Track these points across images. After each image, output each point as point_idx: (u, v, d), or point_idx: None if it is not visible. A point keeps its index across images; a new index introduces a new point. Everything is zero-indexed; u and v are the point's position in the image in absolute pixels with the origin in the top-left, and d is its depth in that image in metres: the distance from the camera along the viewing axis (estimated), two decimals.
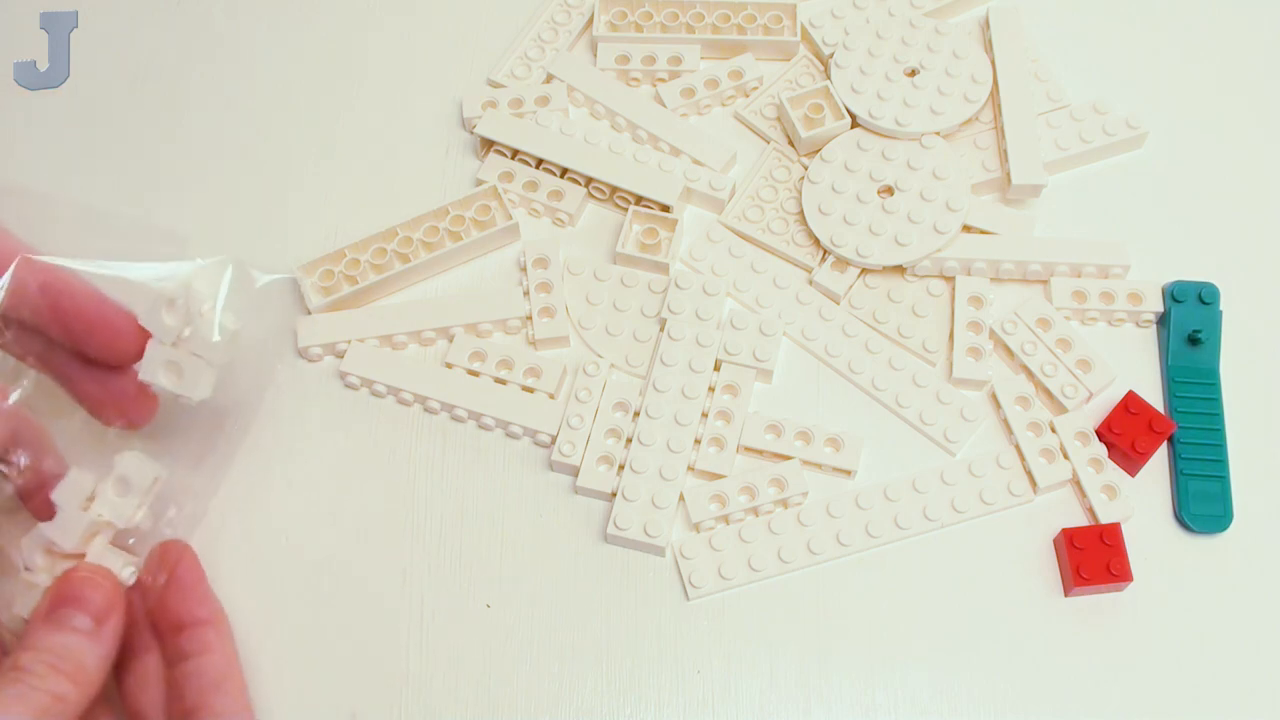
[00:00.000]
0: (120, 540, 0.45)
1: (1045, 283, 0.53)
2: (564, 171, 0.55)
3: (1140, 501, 0.49)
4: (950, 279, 0.53)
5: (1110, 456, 0.49)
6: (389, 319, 0.52)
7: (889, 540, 0.49)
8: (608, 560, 0.49)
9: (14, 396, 0.45)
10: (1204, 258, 0.54)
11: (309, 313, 0.53)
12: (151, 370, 0.45)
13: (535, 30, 0.60)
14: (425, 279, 0.55)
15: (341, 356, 0.52)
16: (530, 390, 0.51)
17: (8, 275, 0.43)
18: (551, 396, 0.51)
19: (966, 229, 0.54)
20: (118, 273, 0.46)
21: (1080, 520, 0.49)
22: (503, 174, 0.56)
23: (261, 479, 0.50)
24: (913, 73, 0.57)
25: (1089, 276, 0.53)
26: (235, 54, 0.61)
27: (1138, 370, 0.52)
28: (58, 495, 0.43)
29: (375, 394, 0.52)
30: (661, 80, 0.59)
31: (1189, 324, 0.51)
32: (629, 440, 0.50)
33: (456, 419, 0.51)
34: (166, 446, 0.48)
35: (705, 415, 0.50)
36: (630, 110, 0.57)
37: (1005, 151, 0.55)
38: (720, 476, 0.49)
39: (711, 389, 0.51)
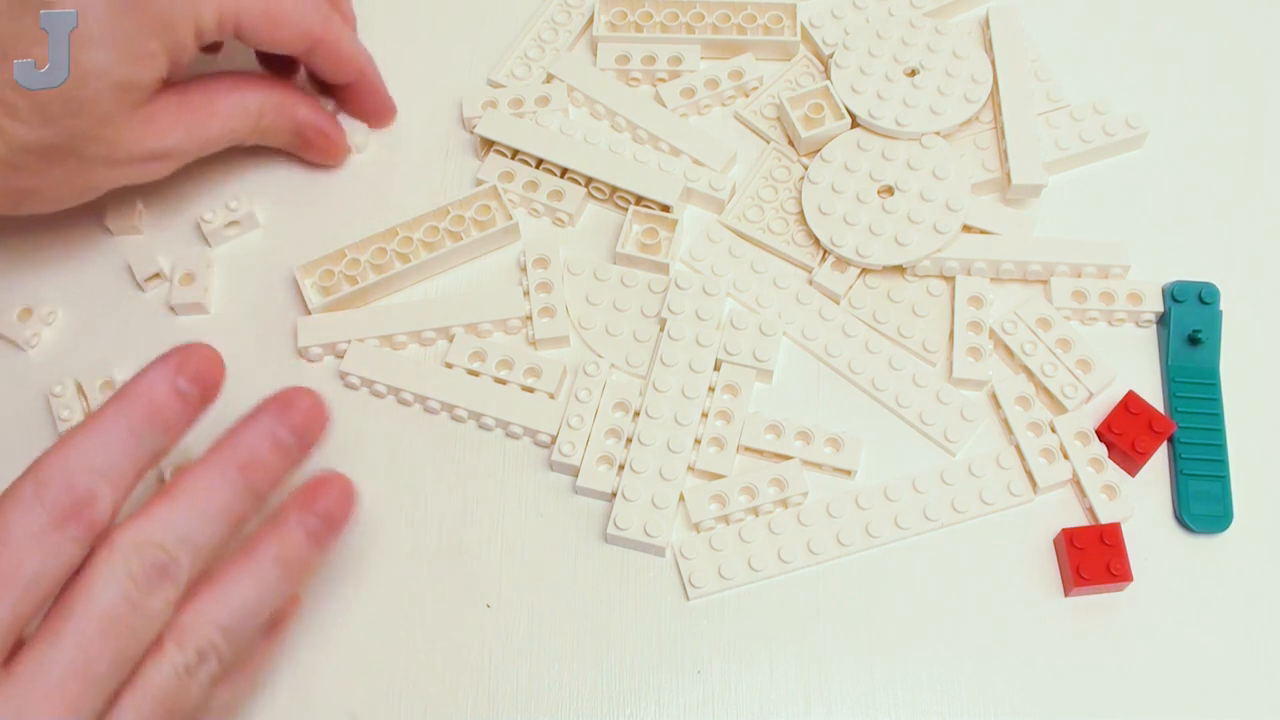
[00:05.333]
0: None
1: (1045, 283, 0.53)
2: (564, 171, 0.55)
3: (1140, 501, 0.49)
4: (950, 279, 0.53)
5: (1110, 456, 0.49)
6: (389, 319, 0.52)
7: (889, 540, 0.49)
8: (608, 560, 0.49)
9: None
10: (1204, 258, 0.54)
11: (309, 313, 0.53)
12: None
13: (535, 30, 0.60)
14: (425, 279, 0.55)
15: (341, 356, 0.52)
16: (530, 390, 0.51)
17: None
18: (551, 396, 0.51)
19: (966, 229, 0.54)
20: None
21: (1080, 520, 0.49)
22: (503, 174, 0.56)
23: None
24: (913, 73, 0.57)
25: (1089, 276, 0.53)
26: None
27: (1138, 370, 0.52)
28: None
29: (375, 394, 0.52)
30: (661, 80, 0.59)
31: (1189, 324, 0.51)
32: (629, 440, 0.50)
33: (456, 419, 0.51)
34: None
35: (705, 415, 0.50)
36: (630, 110, 0.57)
37: (1005, 151, 0.55)
38: (720, 476, 0.49)
39: (711, 389, 0.51)
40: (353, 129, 0.57)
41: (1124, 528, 0.48)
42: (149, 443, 0.38)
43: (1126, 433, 0.49)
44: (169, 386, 0.38)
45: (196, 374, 0.38)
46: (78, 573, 0.36)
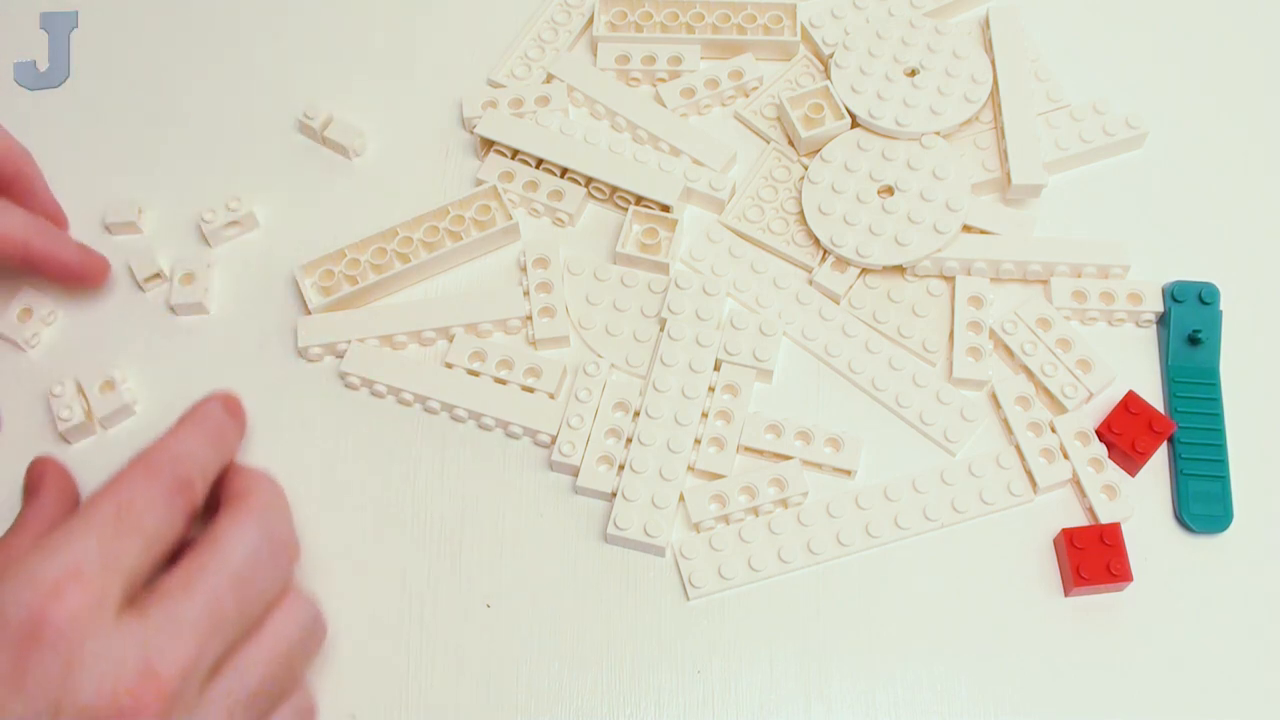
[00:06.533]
0: None
1: (1045, 283, 0.53)
2: (564, 171, 0.55)
3: (1140, 501, 0.49)
4: (950, 279, 0.53)
5: (1110, 456, 0.49)
6: (389, 319, 0.52)
7: (889, 540, 0.49)
8: (608, 560, 0.49)
9: None
10: (1204, 258, 0.54)
11: (309, 313, 0.53)
12: None
13: (535, 30, 0.60)
14: (425, 279, 0.55)
15: (341, 356, 0.52)
16: (530, 390, 0.51)
17: None
18: (551, 396, 0.51)
19: (966, 229, 0.54)
20: None
21: (1080, 520, 0.49)
22: (503, 174, 0.56)
23: None
24: (913, 73, 0.57)
25: (1089, 276, 0.53)
26: (235, 54, 0.61)
27: (1138, 370, 0.52)
28: None
29: (375, 394, 0.52)
30: (661, 80, 0.59)
31: (1189, 324, 0.52)
32: (629, 440, 0.50)
33: (456, 419, 0.51)
34: None
35: (705, 415, 0.50)
36: (630, 110, 0.57)
37: (1005, 151, 0.55)
38: (720, 476, 0.49)
39: (711, 389, 0.51)
40: (354, 130, 0.57)
41: (1124, 528, 0.48)
42: (220, 451, 0.44)
43: (1126, 433, 0.49)
44: (221, 407, 0.46)
45: (232, 402, 0.47)
46: (207, 536, 0.40)
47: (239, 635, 0.40)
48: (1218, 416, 0.50)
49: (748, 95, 0.59)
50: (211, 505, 0.43)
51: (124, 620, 0.37)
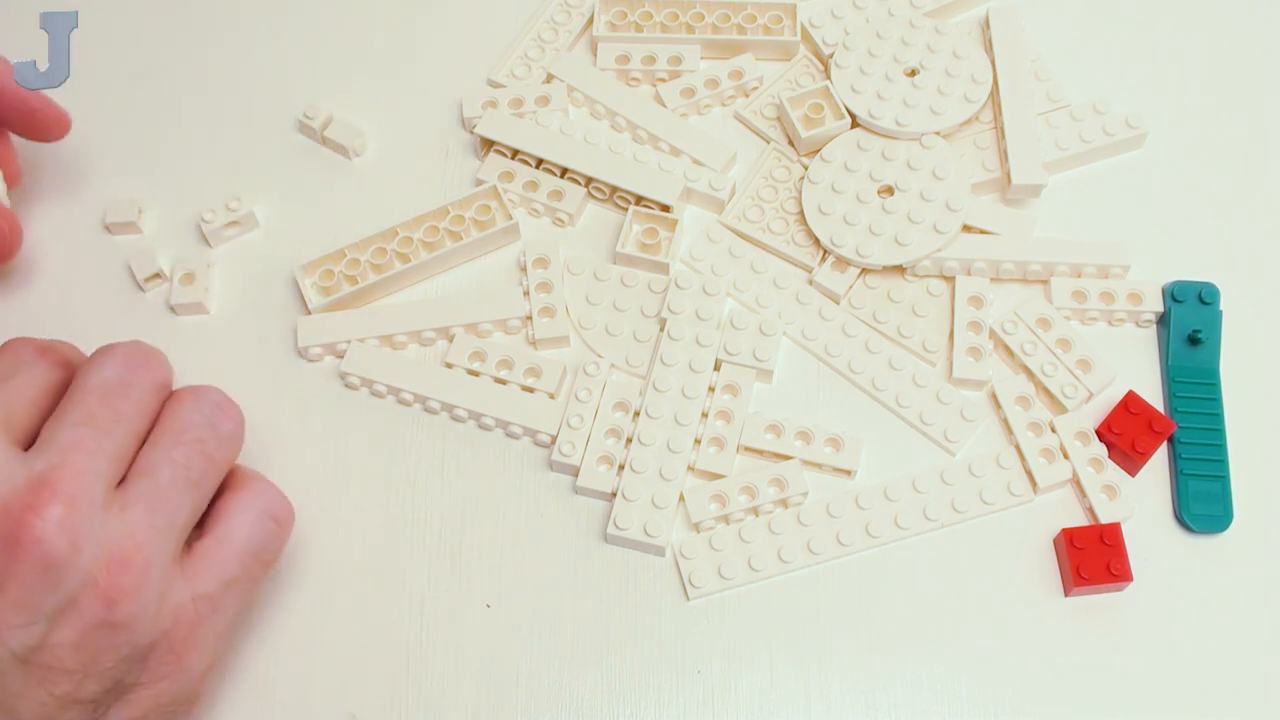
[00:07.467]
0: None
1: (1045, 283, 0.53)
2: (564, 171, 0.55)
3: (1140, 501, 0.49)
4: (950, 279, 0.53)
5: (1110, 456, 0.49)
6: (389, 319, 0.52)
7: (889, 540, 0.49)
8: (608, 560, 0.49)
9: None
10: (1204, 258, 0.54)
11: (309, 313, 0.53)
12: None
13: (535, 30, 0.60)
14: (425, 279, 0.55)
15: (341, 356, 0.52)
16: (530, 390, 0.51)
17: None
18: (551, 396, 0.51)
19: (966, 229, 0.54)
20: None
21: (1080, 520, 0.49)
22: (503, 174, 0.56)
23: None
24: (913, 73, 0.57)
25: (1089, 276, 0.53)
26: (235, 55, 0.61)
27: (1138, 370, 0.52)
28: None
29: (375, 394, 0.52)
30: (661, 80, 0.59)
31: (1189, 324, 0.52)
32: (629, 440, 0.50)
33: (456, 419, 0.51)
34: None
35: (705, 415, 0.50)
36: (630, 110, 0.57)
37: (1005, 151, 0.55)
38: (720, 476, 0.49)
39: (711, 389, 0.51)
40: (354, 130, 0.57)
41: (1124, 528, 0.48)
42: (75, 353, 0.45)
43: (1126, 433, 0.49)
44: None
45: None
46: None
47: (130, 439, 0.41)
48: (1218, 416, 0.50)
49: (748, 95, 0.59)
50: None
51: (6, 446, 0.38)
